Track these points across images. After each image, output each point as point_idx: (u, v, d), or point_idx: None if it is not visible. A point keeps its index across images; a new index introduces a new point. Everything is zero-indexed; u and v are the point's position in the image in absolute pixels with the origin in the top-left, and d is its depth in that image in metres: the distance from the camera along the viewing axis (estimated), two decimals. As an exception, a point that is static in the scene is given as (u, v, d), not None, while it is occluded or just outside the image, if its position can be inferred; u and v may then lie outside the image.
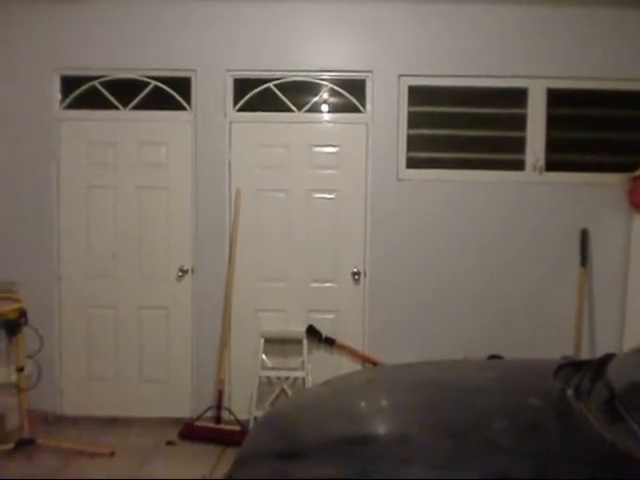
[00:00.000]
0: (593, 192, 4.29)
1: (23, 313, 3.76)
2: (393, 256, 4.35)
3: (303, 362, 4.35)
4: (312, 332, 4.39)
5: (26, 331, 3.80)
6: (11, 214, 4.39)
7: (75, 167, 4.43)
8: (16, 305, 3.75)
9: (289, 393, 4.36)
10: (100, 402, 4.47)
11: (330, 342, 4.39)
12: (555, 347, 3.69)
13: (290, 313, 4.45)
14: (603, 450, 1.71)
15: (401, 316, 4.32)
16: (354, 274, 4.41)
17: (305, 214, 4.41)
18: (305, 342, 4.35)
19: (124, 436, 4.17)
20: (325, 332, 4.40)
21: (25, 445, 3.79)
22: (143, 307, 4.46)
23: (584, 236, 4.27)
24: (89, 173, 4.45)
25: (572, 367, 2.36)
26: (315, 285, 4.45)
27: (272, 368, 4.40)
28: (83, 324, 4.47)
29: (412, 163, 4.37)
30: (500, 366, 2.81)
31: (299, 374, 4.34)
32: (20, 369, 3.82)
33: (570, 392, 2.07)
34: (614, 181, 4.29)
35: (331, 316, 4.45)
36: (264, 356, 4.36)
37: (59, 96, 4.45)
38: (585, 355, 4.12)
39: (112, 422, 4.36)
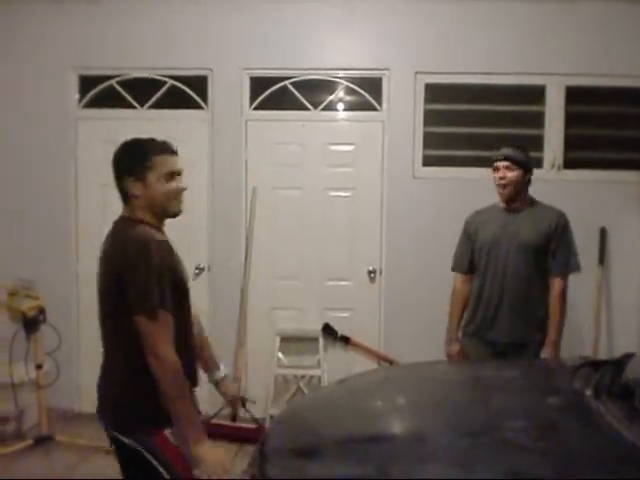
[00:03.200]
0: (612, 190, 4.24)
1: (42, 311, 3.79)
2: (409, 254, 4.32)
3: (319, 360, 4.35)
4: (328, 330, 4.39)
5: (44, 329, 3.83)
6: (29, 212, 4.42)
7: (93, 166, 4.45)
8: (35, 303, 3.79)
9: (305, 391, 4.36)
10: (117, 399, 4.49)
11: (345, 340, 4.39)
12: (573, 346, 3.65)
13: (306, 311, 4.45)
14: (622, 450, 1.70)
15: (417, 314, 4.29)
16: (370, 272, 4.40)
17: (321, 212, 4.41)
18: (321, 340, 4.36)
19: (141, 433, 4.19)
20: (340, 330, 4.40)
21: (43, 442, 3.84)
22: (160, 305, 4.47)
23: (603, 234, 4.23)
24: (106, 172, 4.42)
25: (591, 367, 2.34)
26: (331, 283, 4.45)
27: (288, 366, 4.41)
28: (101, 322, 4.50)
29: (428, 161, 4.35)
30: (518, 366, 2.80)
31: (315, 372, 4.34)
32: (39, 366, 3.85)
33: (589, 392, 2.05)
34: (633, 179, 4.23)
35: (346, 314, 4.45)
36: (280, 354, 4.37)
37: (77, 95, 4.48)
38: (603, 355, 4.07)
39: (129, 419, 4.38)
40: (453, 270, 3.50)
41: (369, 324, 4.43)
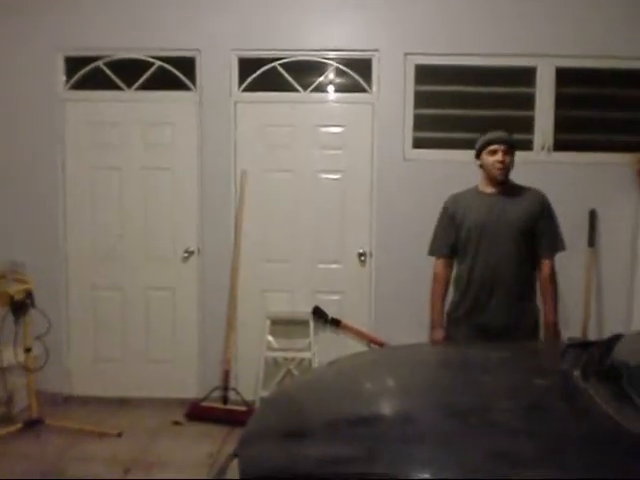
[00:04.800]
0: (602, 172, 4.25)
1: (30, 294, 3.77)
2: (399, 237, 4.32)
3: (309, 343, 4.35)
4: (318, 313, 4.39)
5: (33, 312, 3.81)
6: (17, 195, 4.38)
7: (80, 148, 4.42)
8: (23, 286, 3.75)
9: (295, 374, 4.37)
10: (107, 383, 4.49)
11: (336, 323, 4.40)
12: (563, 328, 3.66)
13: (296, 294, 4.45)
14: (610, 431, 1.71)
15: (407, 297, 4.29)
16: (360, 255, 4.39)
17: (311, 195, 4.39)
18: (311, 323, 4.36)
19: (131, 416, 4.20)
20: (331, 313, 4.40)
21: (33, 425, 3.82)
22: (149, 288, 4.47)
23: (592, 217, 4.24)
24: (94, 154, 4.43)
25: (579, 348, 2.34)
26: (321, 266, 4.44)
27: (278, 349, 4.41)
28: (90, 305, 4.49)
29: (418, 143, 4.33)
30: (507, 347, 2.80)
31: (305, 355, 4.35)
32: (28, 350, 3.83)
33: (577, 373, 2.06)
34: (623, 161, 4.24)
35: (337, 297, 4.45)
36: (270, 337, 4.37)
37: (63, 77, 4.42)
38: (592, 336, 4.10)
39: (119, 403, 4.39)
40: (431, 255, 3.45)
41: (359, 307, 4.43)
